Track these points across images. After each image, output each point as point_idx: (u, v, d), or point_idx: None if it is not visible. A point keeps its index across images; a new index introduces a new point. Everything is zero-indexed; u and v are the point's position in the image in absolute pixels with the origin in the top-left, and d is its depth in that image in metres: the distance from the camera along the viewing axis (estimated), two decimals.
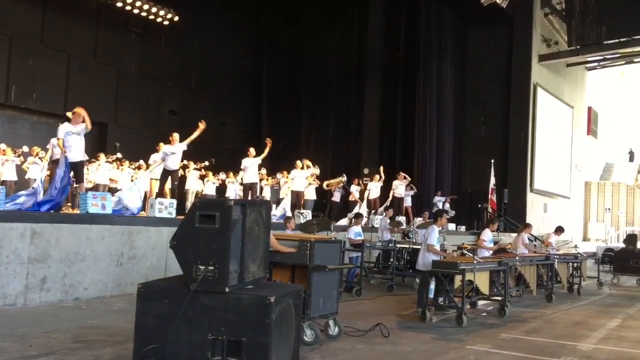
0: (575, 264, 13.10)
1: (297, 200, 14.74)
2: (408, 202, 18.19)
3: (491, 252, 10.45)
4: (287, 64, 23.84)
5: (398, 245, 12.67)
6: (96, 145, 16.95)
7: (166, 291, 3.99)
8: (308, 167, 15.26)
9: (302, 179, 15.19)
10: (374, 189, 16.77)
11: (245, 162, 13.99)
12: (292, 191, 14.98)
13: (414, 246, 12.41)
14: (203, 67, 21.67)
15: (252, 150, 14.09)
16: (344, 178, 16.06)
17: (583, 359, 6.35)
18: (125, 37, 19.56)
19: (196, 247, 3.87)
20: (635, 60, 27.78)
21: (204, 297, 3.86)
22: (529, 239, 16.94)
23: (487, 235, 10.61)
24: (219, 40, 22.29)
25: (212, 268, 3.81)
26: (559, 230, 13.85)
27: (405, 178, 18.00)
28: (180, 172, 15.31)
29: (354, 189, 17.11)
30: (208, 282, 3.82)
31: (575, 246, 15.68)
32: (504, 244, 12.91)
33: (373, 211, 16.66)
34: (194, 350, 3.79)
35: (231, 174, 16.70)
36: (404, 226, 15.32)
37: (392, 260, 12.28)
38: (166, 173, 11.94)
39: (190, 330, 3.84)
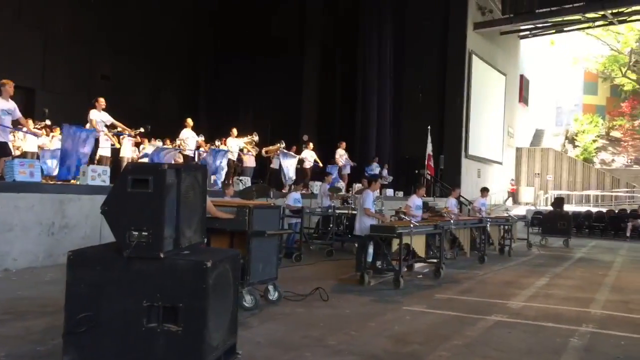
0: (506, 227, 13.53)
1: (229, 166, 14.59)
2: (347, 170, 18.28)
3: (418, 218, 10.59)
4: (224, 30, 23.34)
5: (337, 211, 12.74)
6: (23, 111, 15.94)
7: (98, 258, 3.86)
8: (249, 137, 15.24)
9: (236, 146, 15.10)
10: (309, 157, 16.78)
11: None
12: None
13: (353, 212, 12.48)
14: (138, 30, 20.74)
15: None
16: (283, 144, 15.94)
17: (513, 316, 6.61)
18: None
19: (129, 212, 3.74)
20: (566, 29, 28.64)
21: (138, 263, 3.75)
22: (462, 202, 17.43)
23: (413, 201, 10.71)
24: (156, 1, 21.38)
25: (146, 234, 3.69)
26: (484, 191, 14.24)
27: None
28: (115, 139, 14.85)
29: (308, 155, 17.00)
30: (142, 248, 3.71)
31: (506, 209, 16.20)
32: (440, 208, 13.26)
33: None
34: (129, 318, 3.70)
35: (168, 140, 16.30)
36: (343, 192, 15.39)
37: (331, 226, 12.38)
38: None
39: (124, 298, 3.74)
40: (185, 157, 13.43)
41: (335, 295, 7.33)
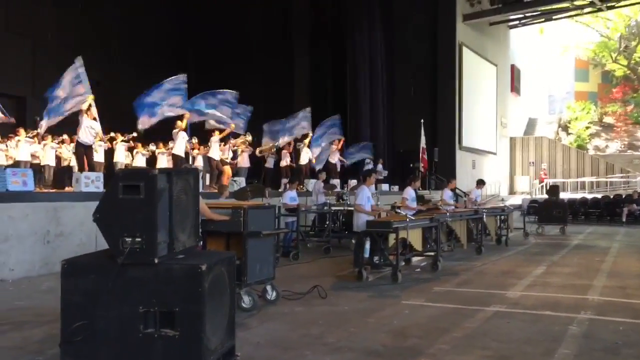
0: (502, 217, 13.56)
1: (212, 168, 14.54)
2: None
3: (414, 210, 10.66)
4: (211, 27, 23.20)
5: (333, 208, 12.75)
6: (15, 119, 15.98)
7: (92, 266, 3.85)
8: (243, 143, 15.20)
9: (216, 145, 14.93)
10: (305, 155, 16.83)
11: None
12: (208, 157, 14.73)
13: (349, 208, 12.46)
14: (124, 33, 20.67)
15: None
16: (277, 142, 15.91)
17: (511, 306, 6.62)
18: (37, 4, 18.45)
19: (121, 219, 3.73)
20: (554, 17, 28.71)
21: (133, 269, 3.74)
22: (457, 194, 17.42)
23: (409, 192, 10.72)
24: (139, 3, 21.27)
25: (139, 240, 3.69)
26: (480, 183, 14.24)
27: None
28: (108, 144, 14.83)
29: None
30: (136, 254, 3.70)
31: (502, 199, 16.22)
32: (436, 201, 13.25)
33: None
34: (125, 325, 3.69)
35: (161, 144, 16.23)
36: (338, 189, 15.46)
37: (327, 223, 12.37)
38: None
39: (119, 305, 3.73)
40: (176, 157, 13.35)
41: (333, 293, 7.31)
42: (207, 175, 14.64)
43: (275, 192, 13.75)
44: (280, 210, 10.92)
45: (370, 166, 18.82)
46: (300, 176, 16.05)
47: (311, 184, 15.21)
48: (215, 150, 14.39)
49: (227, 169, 14.31)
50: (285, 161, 17.16)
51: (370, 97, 21.47)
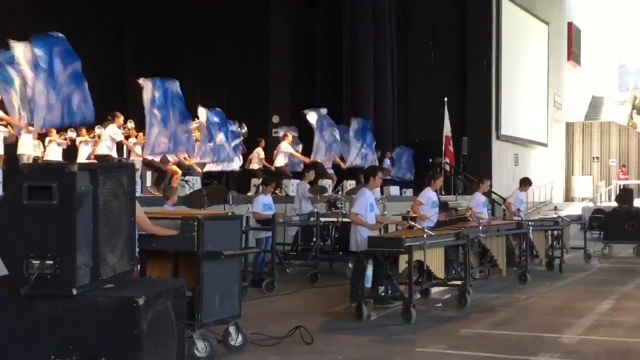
0: (555, 232, 13.59)
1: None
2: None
3: (433, 220, 10.68)
4: None
5: (323, 220, 12.76)
6: None
7: None
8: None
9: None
10: (283, 151, 17.00)
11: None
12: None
13: (345, 219, 12.41)
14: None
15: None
16: (244, 130, 16.06)
17: (567, 354, 6.63)
18: None
19: (26, 233, 3.72)
20: None
21: (42, 304, 3.74)
22: (493, 200, 17.46)
23: (427, 196, 10.77)
24: None
25: (51, 262, 3.69)
26: (524, 183, 14.29)
27: None
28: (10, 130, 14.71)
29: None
30: (46, 282, 3.69)
31: (555, 208, 16.23)
32: (464, 209, 13.23)
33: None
34: None
35: (83, 130, 16.10)
36: (330, 193, 15.44)
37: (314, 239, 12.34)
38: None
39: (23, 352, 3.71)
40: (104, 155, 13.34)
41: (322, 336, 7.31)
42: (148, 174, 14.57)
43: (242, 196, 13.66)
44: (249, 221, 10.89)
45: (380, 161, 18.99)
46: (279, 176, 16.03)
47: (293, 186, 15.21)
48: None
49: (174, 166, 14.25)
50: (258, 159, 17.30)
51: (375, 68, 21.43)
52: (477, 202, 12.53)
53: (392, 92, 22.57)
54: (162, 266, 6.53)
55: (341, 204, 13.71)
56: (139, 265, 6.08)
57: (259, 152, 17.52)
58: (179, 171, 14.35)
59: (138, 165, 13.93)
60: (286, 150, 17.02)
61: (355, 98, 21.30)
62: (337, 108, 21.09)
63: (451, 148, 22.16)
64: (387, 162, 19.82)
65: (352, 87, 21.36)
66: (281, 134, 17.88)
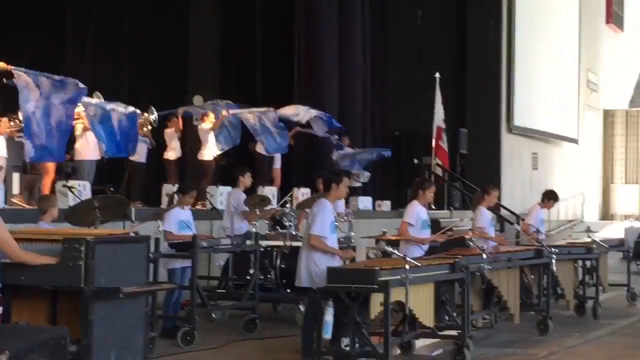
0: (588, 263, 13.71)
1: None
2: (278, 161, 18.70)
3: (424, 246, 10.86)
4: None
5: (264, 244, 12.82)
6: None
7: None
8: None
9: None
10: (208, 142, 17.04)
11: None
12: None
13: (295, 243, 12.52)
14: None
15: None
16: (154, 115, 15.97)
17: None
18: None
19: None
20: None
21: None
22: (503, 218, 17.59)
23: (415, 212, 10.90)
24: None
25: None
26: (549, 197, 14.45)
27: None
28: None
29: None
30: None
31: (588, 229, 16.32)
32: (461, 229, 13.49)
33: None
34: None
35: None
36: (274, 205, 15.53)
37: (251, 271, 12.32)
38: None
39: None
40: None
41: None
42: (16, 176, 14.54)
43: (150, 210, 13.78)
44: (159, 245, 10.92)
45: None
46: (201, 180, 16.17)
47: (222, 195, 15.39)
48: None
49: (49, 166, 14.15)
50: (172, 150, 17.29)
51: (339, 29, 21.46)
52: (482, 220, 12.66)
53: (364, 64, 22.62)
54: (35, 308, 6.48)
55: (290, 221, 13.62)
56: (1, 307, 5.90)
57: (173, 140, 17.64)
58: (52, 174, 14.28)
59: (2, 163, 13.83)
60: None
61: (309, 72, 21.39)
62: (283, 87, 21.44)
63: (444, 144, 22.26)
64: (356, 164, 19.88)
65: (306, 57, 21.42)
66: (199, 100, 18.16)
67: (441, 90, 22.47)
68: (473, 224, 12.95)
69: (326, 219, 9.22)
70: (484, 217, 12.76)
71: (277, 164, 18.68)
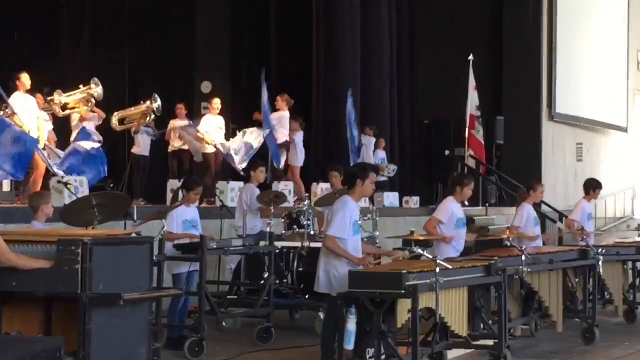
0: (639, 265, 13.70)
1: None
2: (300, 156, 18.73)
3: (458, 247, 10.87)
4: None
5: (279, 244, 12.77)
6: None
7: None
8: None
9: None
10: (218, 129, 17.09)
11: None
12: None
13: (314, 244, 12.61)
14: None
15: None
16: (157, 103, 16.23)
17: None
18: None
19: None
20: None
21: None
22: (544, 215, 17.52)
23: (448, 210, 11.00)
24: None
25: None
26: (592, 186, 14.42)
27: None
28: None
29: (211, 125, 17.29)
30: None
31: (639, 227, 16.27)
32: (497, 229, 13.43)
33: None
34: None
35: None
36: (290, 202, 15.53)
37: (267, 276, 12.30)
38: None
39: None
40: None
41: None
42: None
43: (153, 208, 13.83)
44: (163, 247, 10.87)
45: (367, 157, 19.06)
46: (207, 174, 16.29)
47: (233, 191, 15.47)
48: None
49: (39, 160, 14.23)
50: (174, 139, 17.41)
51: (362, 11, 21.58)
52: (524, 217, 12.66)
53: (390, 48, 22.67)
54: (27, 316, 6.49)
55: (308, 219, 13.64)
56: None
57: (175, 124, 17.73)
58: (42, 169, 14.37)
59: None
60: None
61: (329, 55, 21.33)
62: (303, 74, 21.47)
63: (478, 134, 22.20)
64: (380, 154, 20.09)
65: (325, 39, 21.36)
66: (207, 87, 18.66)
67: (475, 74, 22.36)
68: (513, 220, 12.93)
69: (346, 218, 9.15)
70: (527, 215, 12.71)
71: (297, 162, 18.68)
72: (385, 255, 11.22)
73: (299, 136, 18.78)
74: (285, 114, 18.44)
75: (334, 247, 9.09)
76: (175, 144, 17.76)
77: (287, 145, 18.41)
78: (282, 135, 18.32)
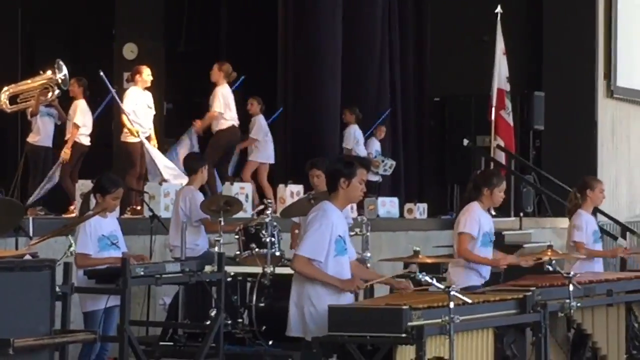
0: None
1: None
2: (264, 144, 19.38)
3: (484, 273, 10.83)
4: None
5: (231, 270, 12.68)
6: None
7: None
8: None
9: None
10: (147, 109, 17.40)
11: None
12: None
13: (281, 269, 12.74)
14: None
15: None
16: (62, 73, 15.75)
17: None
18: None
19: None
20: None
21: None
22: (602, 228, 17.21)
23: (475, 221, 10.77)
24: None
25: None
26: None
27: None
28: None
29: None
30: None
31: None
32: (535, 248, 13.19)
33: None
34: None
35: None
36: (248, 211, 15.94)
37: (213, 313, 12.00)
38: None
39: None
40: None
41: None
42: None
43: (56, 220, 14.11)
44: (70, 274, 10.08)
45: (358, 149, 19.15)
46: (131, 172, 16.61)
47: (166, 195, 15.68)
48: None
49: None
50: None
51: None
52: (582, 229, 12.52)
53: (389, 16, 22.74)
54: None
55: (273, 235, 13.27)
56: None
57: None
58: None
59: None
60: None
61: (303, 16, 21.22)
62: (262, 35, 22.30)
63: (508, 116, 21.96)
64: (374, 144, 20.11)
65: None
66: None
67: (504, 34, 22.11)
68: (568, 237, 12.57)
69: (325, 233, 8.74)
70: (586, 226, 12.36)
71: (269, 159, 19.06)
72: (386, 285, 10.89)
73: (260, 120, 19.21)
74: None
75: (306, 271, 8.80)
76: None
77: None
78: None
